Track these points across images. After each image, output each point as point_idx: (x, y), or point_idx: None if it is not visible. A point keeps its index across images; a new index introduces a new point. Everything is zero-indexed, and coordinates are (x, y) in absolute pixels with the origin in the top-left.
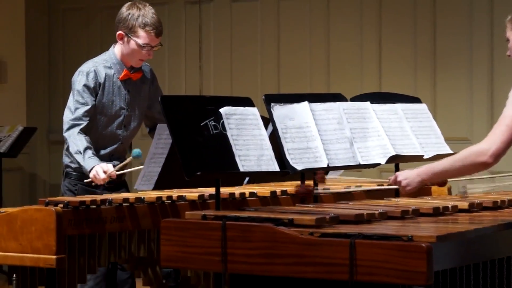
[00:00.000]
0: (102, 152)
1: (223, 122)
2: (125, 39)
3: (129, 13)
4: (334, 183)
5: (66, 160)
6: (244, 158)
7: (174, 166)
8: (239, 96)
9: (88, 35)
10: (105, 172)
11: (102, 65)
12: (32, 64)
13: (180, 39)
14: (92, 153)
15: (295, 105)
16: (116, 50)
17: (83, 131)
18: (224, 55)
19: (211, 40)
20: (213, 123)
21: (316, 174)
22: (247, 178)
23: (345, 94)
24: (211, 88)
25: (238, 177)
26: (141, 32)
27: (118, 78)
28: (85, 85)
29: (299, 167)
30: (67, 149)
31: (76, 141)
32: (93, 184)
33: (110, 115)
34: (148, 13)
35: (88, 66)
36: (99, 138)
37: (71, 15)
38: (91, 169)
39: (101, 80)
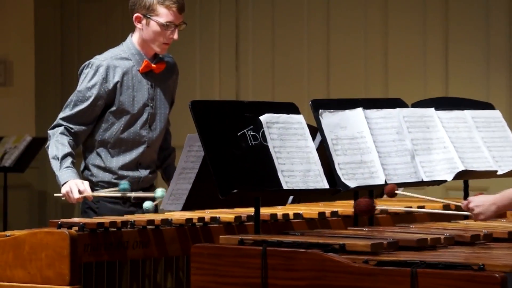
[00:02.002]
0: (127, 158)
1: (263, 131)
2: (144, 21)
3: None
4: (393, 203)
5: (86, 173)
6: (288, 173)
7: (206, 182)
8: (282, 101)
9: (107, 30)
10: (80, 192)
11: (119, 57)
12: (42, 64)
13: (213, 36)
14: (72, 162)
15: (347, 112)
16: (135, 38)
17: (72, 133)
18: (264, 53)
19: (250, 37)
20: (251, 133)
21: (386, 187)
22: (291, 197)
23: (406, 99)
24: (250, 92)
25: (280, 196)
26: (161, 9)
27: (138, 70)
28: (91, 81)
29: (351, 184)
30: (67, 155)
31: (57, 143)
32: (119, 195)
33: (132, 114)
34: None
35: (100, 58)
36: (121, 142)
37: (87, 8)
38: (65, 183)
39: (117, 76)
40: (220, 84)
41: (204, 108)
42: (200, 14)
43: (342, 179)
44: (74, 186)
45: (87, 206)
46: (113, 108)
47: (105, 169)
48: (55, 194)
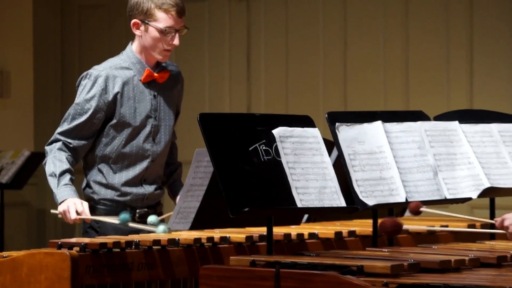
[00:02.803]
0: (131, 174)
1: (276, 146)
2: (142, 27)
3: None
4: (414, 222)
5: (87, 191)
6: (303, 190)
7: (216, 200)
8: (296, 114)
9: (110, 37)
10: (78, 213)
11: (118, 67)
12: (41, 74)
13: (223, 44)
14: (70, 179)
15: (365, 125)
16: (135, 46)
17: (70, 149)
18: (278, 63)
19: (262, 45)
20: (264, 148)
21: (410, 205)
22: (306, 216)
23: (428, 112)
24: (262, 104)
25: (295, 214)
26: (159, 14)
27: (140, 80)
28: (90, 93)
29: (370, 202)
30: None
31: (54, 159)
32: (117, 223)
33: (134, 127)
34: None
35: (98, 69)
36: (124, 157)
37: (89, 14)
38: (63, 201)
39: (117, 87)
40: (230, 95)
41: (213, 121)
42: (209, 20)
43: (360, 197)
44: (72, 205)
45: (89, 225)
46: (114, 121)
47: (107, 186)
48: (52, 211)
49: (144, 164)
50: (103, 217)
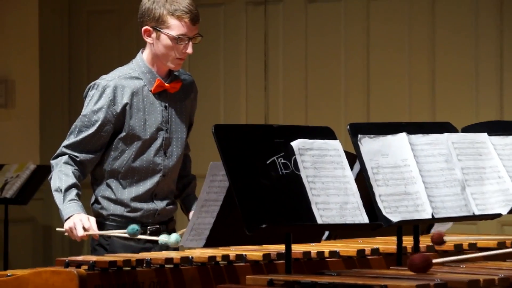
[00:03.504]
0: (141, 190)
1: (295, 159)
2: (154, 34)
3: (154, 1)
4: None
5: (96, 206)
6: (323, 206)
7: (231, 216)
8: (316, 125)
9: (120, 43)
10: (85, 229)
11: (128, 77)
12: (47, 83)
13: (239, 51)
14: (77, 194)
15: (389, 137)
16: (145, 55)
17: (77, 163)
18: (297, 71)
19: (280, 52)
20: (282, 161)
21: (433, 236)
22: (326, 232)
23: (455, 123)
24: (280, 115)
25: (315, 231)
26: (172, 21)
27: (150, 90)
28: (97, 104)
29: (394, 218)
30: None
31: (60, 173)
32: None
33: (144, 139)
34: None
35: (107, 78)
36: (133, 171)
37: (98, 19)
38: (69, 217)
39: (126, 97)
40: (247, 105)
41: (229, 132)
42: (225, 26)
43: (384, 213)
44: (78, 222)
45: (97, 242)
46: (123, 134)
47: (117, 202)
48: (58, 229)
49: (155, 179)
50: (111, 231)
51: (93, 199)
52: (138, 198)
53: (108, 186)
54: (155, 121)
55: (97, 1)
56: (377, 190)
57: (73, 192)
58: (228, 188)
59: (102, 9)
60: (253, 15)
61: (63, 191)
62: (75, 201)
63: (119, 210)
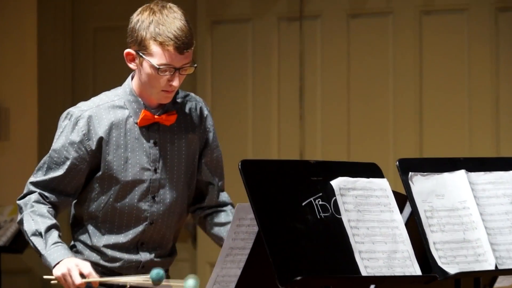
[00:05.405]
0: (121, 238)
1: (335, 200)
2: (137, 60)
3: (138, 20)
4: None
5: (72, 249)
6: (368, 255)
7: (261, 267)
8: (360, 161)
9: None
10: (83, 275)
11: (109, 106)
12: (47, 111)
13: (270, 74)
14: (59, 236)
15: (445, 175)
16: (134, 80)
17: (48, 202)
18: (337, 98)
19: (318, 76)
20: (320, 202)
21: None
22: (372, 286)
23: None
24: (318, 149)
25: (358, 284)
26: (154, 47)
27: (136, 123)
28: (69, 138)
29: (451, 269)
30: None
31: (33, 214)
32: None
33: (124, 182)
34: (165, 17)
35: (82, 107)
36: (113, 217)
37: (106, 37)
38: (58, 263)
39: (102, 130)
40: (279, 137)
41: (258, 169)
42: (253, 44)
43: (439, 263)
44: (73, 267)
45: None
46: (99, 173)
47: (92, 248)
48: (45, 277)
49: (139, 228)
50: (123, 277)
51: (71, 242)
52: (118, 247)
53: (86, 229)
54: (140, 160)
55: (103, 17)
56: (431, 237)
57: (55, 233)
58: (257, 234)
59: (111, 26)
60: (286, 31)
61: (43, 234)
62: (60, 244)
63: (94, 257)
